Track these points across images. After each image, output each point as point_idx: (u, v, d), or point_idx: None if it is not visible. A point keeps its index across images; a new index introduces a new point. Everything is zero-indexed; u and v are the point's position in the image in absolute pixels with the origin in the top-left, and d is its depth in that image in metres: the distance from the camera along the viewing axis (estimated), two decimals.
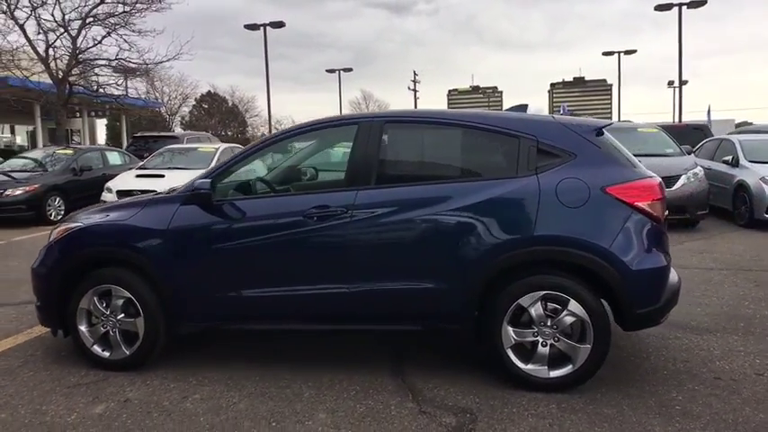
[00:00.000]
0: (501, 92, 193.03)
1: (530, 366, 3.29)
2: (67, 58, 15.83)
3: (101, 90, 17.10)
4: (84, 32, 15.62)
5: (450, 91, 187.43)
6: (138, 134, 18.48)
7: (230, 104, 53.75)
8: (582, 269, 3.21)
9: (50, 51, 15.69)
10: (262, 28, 26.63)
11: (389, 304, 3.42)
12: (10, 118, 28.66)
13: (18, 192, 10.12)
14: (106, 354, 3.74)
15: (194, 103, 52.32)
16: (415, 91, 55.03)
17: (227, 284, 3.56)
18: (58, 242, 3.81)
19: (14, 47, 15.53)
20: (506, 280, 3.27)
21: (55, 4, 15.18)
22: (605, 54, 37.94)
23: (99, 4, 15.55)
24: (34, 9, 15.25)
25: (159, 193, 4.29)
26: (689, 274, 6.12)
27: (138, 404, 3.29)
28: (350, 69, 40.40)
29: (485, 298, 3.29)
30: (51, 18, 15.49)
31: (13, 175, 11.95)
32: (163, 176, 9.99)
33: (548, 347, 3.26)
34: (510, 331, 3.28)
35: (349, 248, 3.40)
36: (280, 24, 26.51)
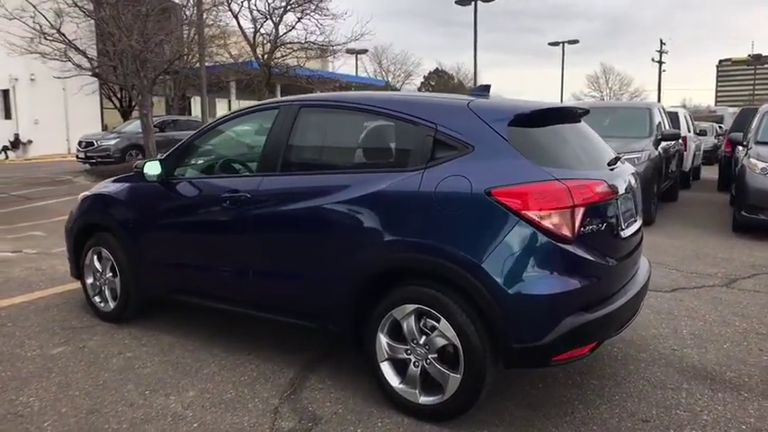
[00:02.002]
0: None
1: (401, 386, 2.91)
2: (269, 43, 18.00)
3: (290, 71, 19.04)
4: (283, 19, 17.57)
5: (720, 61, 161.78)
6: None
7: (456, 81, 54.50)
8: (456, 285, 2.69)
9: (258, 38, 18.05)
10: (473, 2, 26.36)
11: (284, 296, 3.34)
12: (251, 95, 34.12)
13: None
14: (101, 305, 4.35)
15: (422, 80, 54.42)
16: (660, 63, 48.84)
17: (163, 257, 3.85)
18: (76, 207, 4.52)
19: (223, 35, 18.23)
20: (381, 286, 2.92)
21: None
22: None
23: None
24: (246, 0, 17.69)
25: None
26: None
27: (86, 352, 3.78)
28: (576, 41, 37.58)
29: (363, 303, 2.99)
30: (255, 8, 17.81)
31: None
32: None
33: (419, 369, 2.84)
34: (384, 344, 2.94)
35: (249, 235, 3.39)
36: None
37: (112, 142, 17.06)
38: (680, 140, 10.92)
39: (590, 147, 3.15)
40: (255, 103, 3.85)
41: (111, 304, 4.27)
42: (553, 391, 3.20)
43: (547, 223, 2.54)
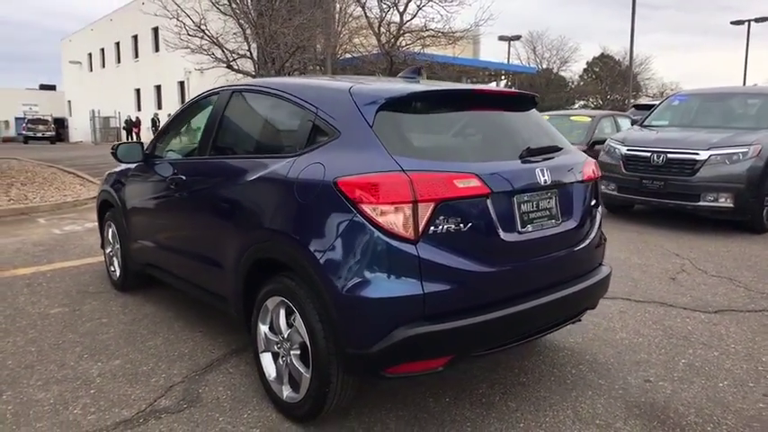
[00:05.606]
0: None
1: (272, 380, 2.82)
2: (391, 32, 18.12)
3: (408, 59, 18.94)
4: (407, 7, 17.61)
5: None
6: None
7: (622, 67, 50.11)
8: (306, 280, 2.53)
9: (382, 28, 18.28)
10: None
11: (206, 278, 3.40)
12: None
13: None
14: (114, 274, 4.81)
15: (585, 66, 51.06)
16: None
17: (138, 233, 4.17)
18: (101, 183, 5.02)
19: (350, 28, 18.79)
20: (260, 275, 2.84)
21: None
22: None
23: None
24: None
25: None
26: None
27: (75, 314, 4.20)
28: (764, 19, 32.47)
29: (250, 291, 2.94)
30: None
31: None
32: None
33: (284, 363, 2.73)
34: (263, 334, 2.87)
35: (181, 216, 3.51)
36: None
37: None
38: None
39: (506, 136, 2.75)
40: (209, 90, 3.95)
41: (118, 273, 4.70)
42: (456, 408, 2.87)
43: (382, 219, 2.27)
